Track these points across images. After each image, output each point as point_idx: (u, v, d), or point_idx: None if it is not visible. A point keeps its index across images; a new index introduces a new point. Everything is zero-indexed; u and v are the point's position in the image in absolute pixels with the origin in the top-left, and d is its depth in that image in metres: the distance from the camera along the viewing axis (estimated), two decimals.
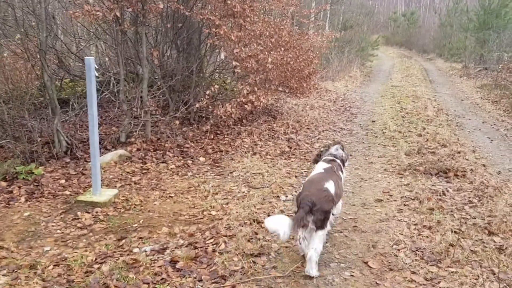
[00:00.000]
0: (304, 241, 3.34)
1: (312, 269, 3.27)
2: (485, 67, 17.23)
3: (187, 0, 7.19)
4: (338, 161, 4.07)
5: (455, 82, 16.80)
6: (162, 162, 6.12)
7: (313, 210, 3.22)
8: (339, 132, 8.50)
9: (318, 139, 7.84)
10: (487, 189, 5.17)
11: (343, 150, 4.28)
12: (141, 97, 6.69)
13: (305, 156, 6.68)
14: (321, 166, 3.94)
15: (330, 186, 3.49)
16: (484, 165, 6.37)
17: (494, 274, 3.32)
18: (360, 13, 35.69)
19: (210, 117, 7.38)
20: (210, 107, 7.16)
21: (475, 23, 20.05)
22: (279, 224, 3.11)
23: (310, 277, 3.27)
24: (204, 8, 7.08)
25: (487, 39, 17.99)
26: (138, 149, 6.38)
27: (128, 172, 5.68)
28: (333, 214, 3.76)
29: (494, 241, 3.88)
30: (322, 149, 4.54)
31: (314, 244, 3.25)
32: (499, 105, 11.71)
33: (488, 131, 8.95)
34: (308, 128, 8.44)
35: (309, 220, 3.23)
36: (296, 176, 5.70)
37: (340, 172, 3.98)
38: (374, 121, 9.48)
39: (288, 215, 3.47)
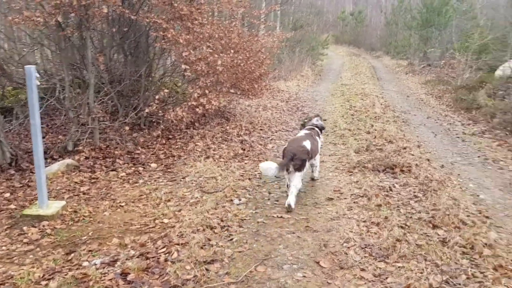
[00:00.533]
0: (287, 180, 4.99)
1: (291, 201, 4.69)
2: (429, 64, 18.00)
3: (133, 3, 7.04)
4: (317, 129, 5.80)
5: (401, 79, 17.45)
6: (112, 170, 5.97)
7: (294, 159, 4.75)
8: (292, 132, 8.61)
9: (271, 139, 7.92)
10: (431, 183, 5.41)
11: (321, 120, 6.04)
12: (88, 103, 6.50)
13: (258, 158, 6.73)
14: (303, 131, 5.63)
15: (307, 144, 5.06)
16: (428, 160, 6.65)
17: (438, 266, 3.48)
18: (310, 13, 36.23)
19: (161, 121, 7.28)
20: (160, 111, 7.06)
21: (418, 21, 20.90)
22: (270, 166, 4.63)
23: (289, 210, 4.65)
24: (150, 12, 6.97)
25: (429, 37, 18.80)
26: (86, 158, 6.19)
27: (76, 182, 5.50)
28: (313, 179, 5.72)
29: (438, 234, 4.07)
30: (305, 119, 6.39)
31: (294, 182, 4.79)
32: (442, 100, 12.28)
33: (432, 126, 9.36)
34: (261, 129, 8.50)
35: (291, 165, 4.77)
36: (249, 179, 5.73)
37: (317, 137, 5.61)
38: (325, 120, 9.65)
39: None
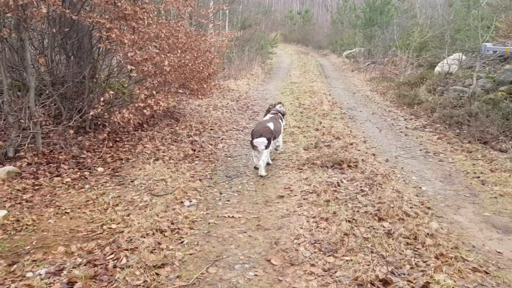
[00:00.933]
0: (255, 157, 6.11)
1: (262, 172, 5.88)
2: (373, 61, 18.61)
3: (74, 3, 6.79)
4: (280, 114, 6.76)
5: (347, 76, 17.94)
6: (57, 176, 5.73)
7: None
8: (242, 131, 8.64)
9: (222, 139, 7.91)
10: (376, 177, 5.60)
11: (283, 107, 6.97)
12: (28, 107, 6.20)
13: (209, 158, 6.70)
14: (268, 116, 6.66)
15: (270, 125, 6.04)
16: (374, 154, 6.89)
17: (384, 258, 3.61)
18: (258, 12, 36.45)
19: (107, 124, 7.07)
20: (106, 113, 6.86)
21: (362, 20, 21.57)
22: (263, 140, 5.72)
23: (262, 177, 5.81)
24: (92, 11, 6.74)
25: (373, 35, 19.44)
26: (29, 164, 5.90)
27: (18, 190, 5.23)
28: (276, 150, 6.77)
29: (384, 227, 4.22)
30: (270, 106, 7.17)
31: (262, 157, 5.88)
32: (386, 96, 12.74)
33: (377, 121, 9.69)
34: (211, 129, 8.46)
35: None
36: (200, 180, 5.69)
37: (280, 120, 6.63)
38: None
39: None
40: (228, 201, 5.04)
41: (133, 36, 6.63)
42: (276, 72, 19.94)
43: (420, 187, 5.54)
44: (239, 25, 22.94)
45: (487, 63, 12.12)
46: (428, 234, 4.03)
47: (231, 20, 22.90)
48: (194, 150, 7.00)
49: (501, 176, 5.87)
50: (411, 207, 4.71)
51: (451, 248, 3.81)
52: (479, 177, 5.91)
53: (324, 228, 4.19)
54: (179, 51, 7.57)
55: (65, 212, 4.71)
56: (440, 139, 7.95)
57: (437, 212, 4.72)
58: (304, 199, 5.03)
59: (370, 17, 20.40)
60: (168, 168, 6.02)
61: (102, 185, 5.54)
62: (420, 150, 7.37)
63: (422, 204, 4.88)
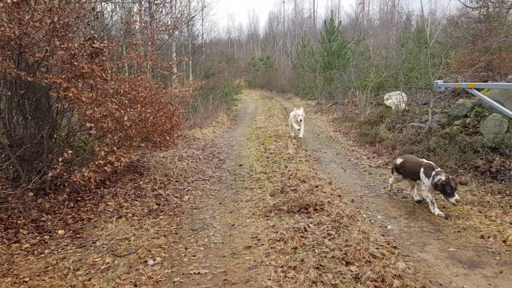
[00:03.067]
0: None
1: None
2: (335, 102, 19.13)
3: (30, 65, 6.75)
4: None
5: (311, 118, 18.29)
6: (15, 242, 5.47)
7: None
8: (209, 180, 8.58)
9: (188, 191, 7.81)
10: (342, 220, 5.62)
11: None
12: None
13: (174, 212, 6.57)
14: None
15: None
16: (339, 196, 6.94)
17: None
18: (221, 61, 37.38)
19: (67, 184, 6.89)
20: (65, 173, 6.69)
21: (321, 64, 22.33)
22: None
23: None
24: (49, 72, 6.72)
25: (333, 77, 20.10)
26: None
27: None
28: None
29: (351, 271, 4.19)
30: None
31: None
32: (349, 136, 13.02)
33: (341, 161, 9.84)
34: (177, 181, 8.36)
35: None
36: (165, 235, 5.55)
37: None
38: (241, 165, 9.79)
39: None
40: (194, 256, 4.91)
41: (91, 94, 6.61)
42: (241, 118, 20.16)
43: (385, 226, 5.58)
44: (202, 74, 23.34)
45: (441, 98, 12.67)
46: (395, 275, 4.03)
47: (194, 69, 23.32)
48: (159, 205, 6.87)
49: (463, 209, 6.00)
50: (377, 248, 4.71)
51: None
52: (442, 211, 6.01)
53: (292, 278, 4.12)
54: (139, 105, 7.57)
55: (24, 281, 4.47)
56: None
57: (403, 251, 4.75)
58: (271, 248, 4.97)
59: (328, 61, 21.16)
60: (131, 226, 5.86)
61: (62, 248, 5.32)
62: (384, 188, 7.48)
63: (388, 244, 4.90)
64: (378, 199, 6.85)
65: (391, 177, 7.18)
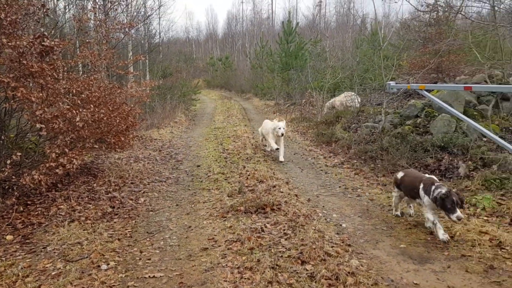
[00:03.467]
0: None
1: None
2: (293, 103, 19.34)
3: None
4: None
5: (270, 119, 18.36)
6: None
7: None
8: (165, 181, 8.45)
9: (144, 193, 7.66)
10: (299, 219, 5.68)
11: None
12: None
13: (129, 214, 6.43)
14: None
15: None
16: (296, 195, 7.02)
17: None
18: (179, 60, 36.91)
19: (15, 188, 6.59)
20: (14, 176, 6.40)
21: (279, 64, 22.53)
22: None
23: None
24: None
25: (291, 78, 20.31)
26: None
27: None
28: None
29: (306, 270, 4.24)
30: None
31: None
32: (307, 136, 13.21)
33: (299, 161, 9.96)
34: (132, 183, 8.18)
35: None
36: (119, 239, 5.42)
37: None
38: (199, 166, 9.72)
39: None
40: (149, 259, 4.82)
41: (41, 94, 6.35)
42: (200, 119, 20.01)
43: (340, 225, 5.69)
44: (159, 74, 23.00)
45: (394, 99, 13.07)
46: (349, 272, 4.11)
47: (152, 69, 22.92)
48: (113, 207, 6.70)
49: (414, 207, 6.20)
50: (332, 246, 4.80)
51: (371, 285, 3.91)
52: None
53: (249, 278, 4.13)
54: (92, 105, 7.35)
55: None
56: (357, 174, 8.31)
57: (357, 249, 4.85)
58: (228, 249, 4.95)
59: (286, 62, 21.37)
60: (84, 230, 5.68)
61: (11, 255, 5.08)
62: (340, 187, 7.63)
63: (343, 242, 5.00)
64: (334, 198, 6.98)
65: (393, 195, 6.09)
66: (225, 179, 8.23)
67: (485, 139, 8.16)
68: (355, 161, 9.20)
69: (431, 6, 13.37)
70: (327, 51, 19.13)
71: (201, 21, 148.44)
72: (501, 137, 7.77)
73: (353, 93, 12.84)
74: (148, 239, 5.46)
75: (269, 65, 25.19)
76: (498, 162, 7.07)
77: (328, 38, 30.97)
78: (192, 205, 6.87)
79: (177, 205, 6.94)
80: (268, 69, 25.27)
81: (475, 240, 4.89)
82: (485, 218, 5.61)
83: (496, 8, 9.41)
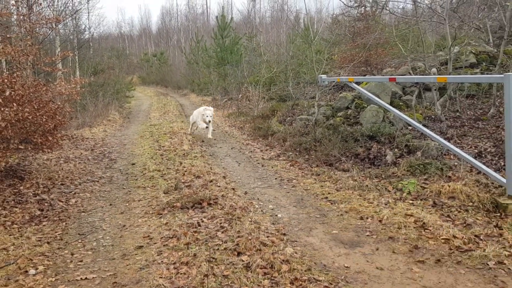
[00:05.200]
0: None
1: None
2: (230, 98, 19.37)
3: None
4: None
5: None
6: None
7: None
8: (98, 181, 8.17)
9: (75, 193, 7.36)
10: (235, 212, 5.73)
11: None
12: None
13: (59, 217, 6.16)
14: None
15: None
16: (233, 189, 7.06)
17: None
18: (111, 56, 35.73)
19: None
20: None
21: (215, 60, 22.46)
22: None
23: None
24: None
25: (227, 73, 20.32)
26: None
27: None
28: None
29: (242, 260, 4.30)
30: None
31: None
32: (244, 130, 13.30)
33: (236, 155, 10.02)
34: (62, 184, 7.83)
35: None
36: (48, 242, 5.17)
37: None
38: (134, 164, 9.48)
39: None
40: (81, 261, 4.65)
41: None
42: (135, 116, 19.51)
43: (276, 215, 5.81)
44: (91, 71, 22.15)
45: (327, 92, 13.49)
46: (283, 260, 4.22)
47: (82, 66, 22.00)
48: (42, 210, 6.38)
49: (345, 194, 6.47)
50: (268, 236, 4.89)
51: (305, 271, 4.04)
52: (327, 197, 6.44)
53: (185, 273, 4.11)
54: (15, 104, 6.95)
55: None
56: (292, 166, 8.51)
57: (291, 237, 4.98)
58: (164, 245, 4.89)
59: (222, 57, 21.35)
60: (10, 235, 5.37)
61: None
62: (276, 178, 7.78)
63: (278, 231, 5.11)
64: (270, 190, 7.10)
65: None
66: (161, 176, 8.11)
67: (410, 127, 8.65)
68: (291, 153, 9.40)
69: (358, 2, 13.94)
70: (261, 46, 19.32)
71: (134, 16, 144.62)
72: (424, 125, 8.28)
73: (211, 108, 12.02)
74: (80, 240, 5.26)
75: (205, 61, 25.05)
76: (421, 148, 7.53)
77: (262, 33, 31.29)
78: (127, 204, 6.71)
79: (110, 204, 6.74)
80: (204, 65, 25.12)
81: (401, 222, 5.18)
82: (410, 201, 5.95)
83: (417, 3, 9.98)
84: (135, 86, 32.10)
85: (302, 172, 7.99)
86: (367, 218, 5.50)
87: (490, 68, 10.53)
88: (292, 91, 13.25)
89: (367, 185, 6.67)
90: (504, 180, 5.51)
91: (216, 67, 22.23)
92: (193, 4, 71.41)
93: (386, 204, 5.87)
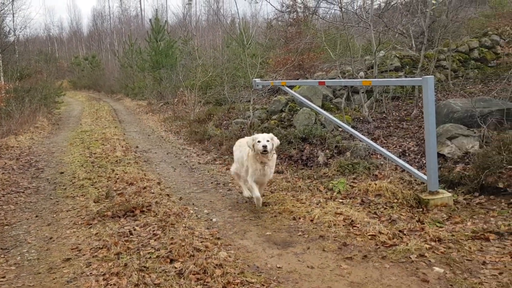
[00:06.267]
0: None
1: None
2: (166, 102, 19.09)
3: None
4: None
5: (142, 119, 17.96)
6: None
7: None
8: (23, 192, 7.72)
9: None
10: (169, 218, 5.64)
11: None
12: None
13: None
14: None
15: None
16: (168, 195, 6.96)
17: None
18: (39, 60, 34.00)
19: None
20: None
21: (150, 63, 22.04)
22: None
23: None
24: None
25: (162, 77, 20.01)
26: None
27: None
28: None
29: (175, 267, 4.24)
30: None
31: None
32: (180, 135, 13.15)
33: (172, 161, 9.88)
34: None
35: None
36: None
37: None
38: (62, 173, 9.06)
39: None
40: (3, 277, 4.37)
41: None
42: (65, 122, 18.67)
43: (211, 219, 5.80)
44: (16, 75, 20.97)
45: (263, 95, 13.68)
46: (217, 265, 4.21)
47: (6, 70, 20.76)
48: None
49: (279, 196, 6.58)
50: (202, 241, 4.86)
51: (238, 274, 4.06)
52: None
53: (115, 284, 3.99)
54: None
55: None
56: (229, 169, 8.51)
57: (226, 241, 4.99)
58: (93, 256, 4.71)
59: (157, 60, 21.01)
60: None
61: None
62: (212, 183, 7.76)
63: (212, 236, 5.10)
64: (206, 194, 7.07)
65: None
66: (92, 185, 7.81)
67: (340, 129, 8.97)
68: (227, 156, 9.42)
69: (290, 7, 14.30)
70: (196, 50, 19.21)
71: (63, 17, 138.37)
72: (353, 126, 8.65)
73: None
74: (2, 256, 4.94)
75: (139, 64, 24.52)
76: (350, 149, 7.84)
77: (198, 36, 31.14)
78: (54, 215, 6.39)
79: (36, 216, 6.39)
80: (138, 68, 24.58)
81: (331, 221, 5.35)
82: (340, 200, 6.17)
83: (343, 9, 10.40)
84: (65, 91, 30.75)
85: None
86: (299, 218, 5.63)
87: (413, 71, 11.18)
88: (228, 95, 13.31)
89: (300, 186, 6.83)
90: (425, 177, 5.86)
91: (151, 70, 21.83)
92: (127, 6, 69.56)
93: (317, 204, 6.04)
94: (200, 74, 15.63)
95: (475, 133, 6.87)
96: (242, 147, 6.41)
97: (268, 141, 5.72)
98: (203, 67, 16.78)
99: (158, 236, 5.14)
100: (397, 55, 11.84)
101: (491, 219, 5.13)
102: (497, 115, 7.01)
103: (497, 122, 6.89)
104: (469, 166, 6.22)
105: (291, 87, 9.12)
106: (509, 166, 5.62)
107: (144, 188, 7.23)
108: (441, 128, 6.97)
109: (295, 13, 15.18)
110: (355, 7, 12.55)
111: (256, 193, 5.92)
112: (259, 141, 5.71)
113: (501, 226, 4.85)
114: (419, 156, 7.23)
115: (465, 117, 7.25)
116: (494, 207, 5.44)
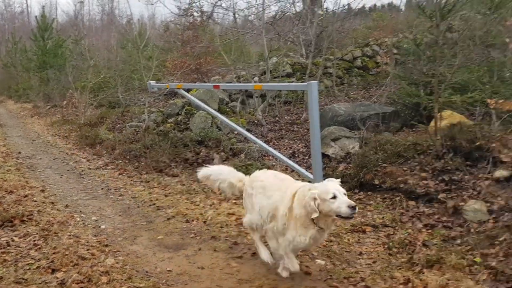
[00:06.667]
0: None
1: None
2: (54, 105, 17.85)
3: None
4: None
5: (27, 123, 16.61)
6: None
7: None
8: None
9: None
10: (53, 227, 5.29)
11: None
12: None
13: None
14: None
15: None
16: (52, 203, 6.52)
17: None
18: None
19: None
20: None
21: (36, 63, 20.46)
22: None
23: None
24: None
25: (50, 78, 18.69)
26: None
27: None
28: None
29: (57, 277, 3.99)
30: None
31: None
32: (69, 139, 12.38)
33: (58, 167, 9.27)
34: None
35: None
36: None
37: None
38: None
39: None
40: None
41: None
42: None
43: (99, 226, 5.55)
44: None
45: (160, 98, 13.45)
46: (103, 272, 4.06)
47: None
48: None
49: (173, 199, 6.53)
50: (88, 249, 4.64)
51: (125, 280, 3.95)
52: (155, 204, 6.40)
53: None
54: None
55: None
56: (121, 174, 8.25)
57: (114, 247, 4.82)
58: None
59: (43, 60, 19.61)
60: None
61: None
62: (102, 188, 7.44)
63: (100, 243, 4.89)
64: (95, 201, 6.76)
65: None
66: None
67: (235, 132, 9.16)
68: (120, 161, 9.10)
69: (186, 11, 14.28)
70: (87, 50, 18.24)
71: None
72: (247, 129, 8.88)
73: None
74: None
75: (24, 64, 22.63)
76: (244, 151, 8.05)
77: (91, 36, 29.65)
78: None
79: None
80: (23, 68, 22.68)
81: (223, 222, 5.46)
82: (234, 201, 6.28)
83: (237, 16, 10.66)
84: None
85: (131, 180, 7.81)
86: (192, 220, 5.63)
87: (303, 77, 11.80)
88: (122, 98, 12.86)
89: (194, 189, 6.85)
90: (311, 176, 6.22)
91: (37, 71, 20.26)
92: (11, 2, 63.70)
93: (211, 206, 6.10)
94: (92, 76, 14.88)
95: (355, 135, 7.47)
96: (269, 191, 4.03)
97: (345, 194, 3.47)
98: (96, 68, 16.01)
99: (40, 246, 4.79)
100: (289, 62, 12.41)
101: (368, 213, 5.61)
102: (374, 118, 7.70)
103: (375, 125, 7.57)
104: (350, 165, 6.74)
105: (187, 90, 9.09)
106: (384, 165, 6.20)
107: (26, 196, 6.69)
108: (326, 131, 7.46)
109: (191, 16, 15.15)
110: (244, 13, 12.96)
111: (296, 265, 3.88)
112: (334, 197, 3.38)
113: (376, 219, 5.34)
114: (307, 157, 7.65)
115: (347, 120, 7.85)
116: (371, 202, 5.95)
